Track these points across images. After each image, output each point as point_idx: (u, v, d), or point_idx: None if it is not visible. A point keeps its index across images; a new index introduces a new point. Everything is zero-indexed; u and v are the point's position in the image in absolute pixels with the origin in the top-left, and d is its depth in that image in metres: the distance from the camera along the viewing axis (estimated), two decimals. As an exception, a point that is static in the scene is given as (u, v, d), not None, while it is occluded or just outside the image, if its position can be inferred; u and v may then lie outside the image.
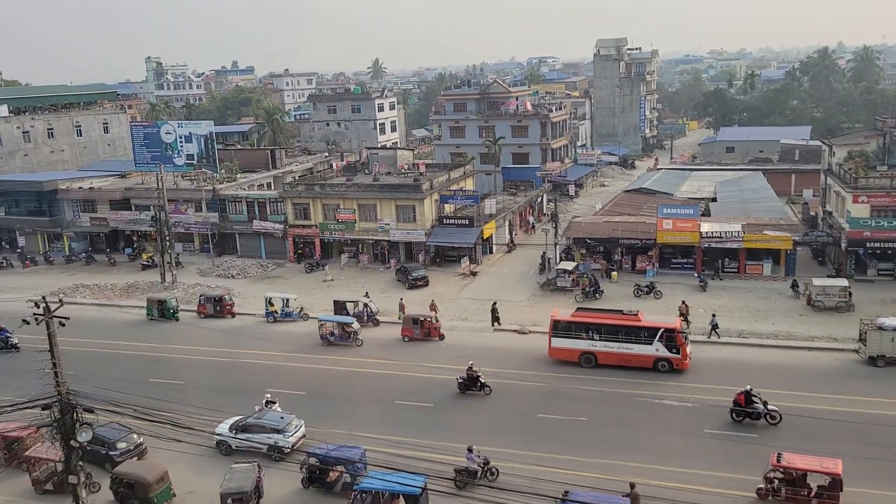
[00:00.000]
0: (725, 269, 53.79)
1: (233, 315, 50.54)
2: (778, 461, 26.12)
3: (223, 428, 32.02)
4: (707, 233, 53.66)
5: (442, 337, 44.20)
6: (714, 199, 67.92)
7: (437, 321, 44.68)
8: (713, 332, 42.35)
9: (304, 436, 31.85)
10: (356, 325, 44.62)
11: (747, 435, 31.05)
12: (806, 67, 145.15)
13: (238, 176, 72.52)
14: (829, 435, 30.00)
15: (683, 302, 46.33)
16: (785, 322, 44.18)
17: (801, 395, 34.07)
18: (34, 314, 24.60)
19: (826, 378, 36.61)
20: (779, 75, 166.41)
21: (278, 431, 31.23)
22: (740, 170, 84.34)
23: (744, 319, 45.00)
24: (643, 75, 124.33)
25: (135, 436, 31.30)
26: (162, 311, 50.03)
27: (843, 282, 47.15)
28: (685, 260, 54.86)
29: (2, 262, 67.26)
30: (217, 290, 53.68)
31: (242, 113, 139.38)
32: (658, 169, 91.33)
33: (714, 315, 43.75)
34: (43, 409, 24.46)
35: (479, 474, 28.04)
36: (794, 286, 49.13)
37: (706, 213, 60.52)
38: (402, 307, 47.94)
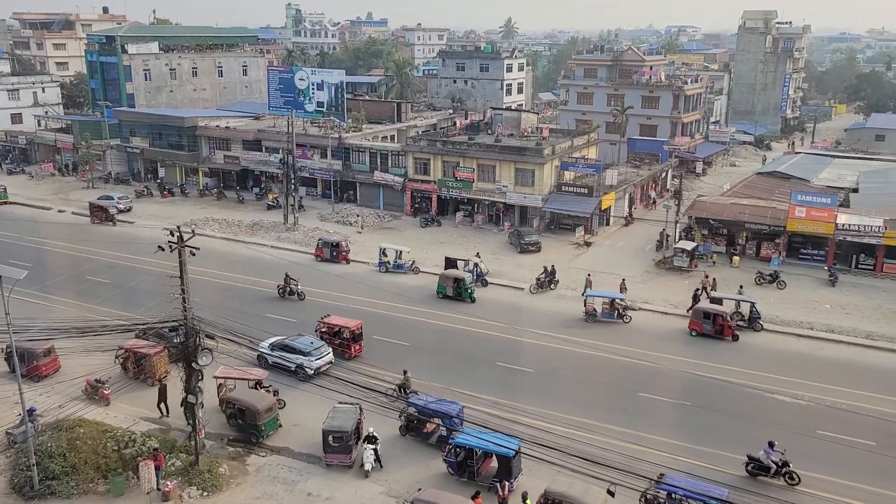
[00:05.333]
0: (860, 266, 50.40)
1: (347, 262, 52.11)
2: (322, 319, 37.09)
3: (264, 345, 34.97)
4: (843, 225, 50.29)
5: (736, 337, 39.37)
6: (856, 190, 63.34)
7: (730, 319, 39.62)
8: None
9: (330, 362, 34.47)
10: (627, 301, 42.75)
11: (864, 441, 29.27)
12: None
13: (363, 126, 74.04)
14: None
15: (707, 275, 46.10)
16: (921, 328, 41.06)
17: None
18: (168, 242, 26.32)
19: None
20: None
21: (304, 354, 34.26)
22: (890, 160, 78.05)
23: (875, 321, 42.12)
24: (791, 51, 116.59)
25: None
26: (458, 291, 44.86)
27: None
28: (816, 251, 51.75)
29: (143, 191, 72.09)
30: (335, 236, 55.50)
31: (373, 64, 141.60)
32: (796, 153, 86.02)
33: (741, 286, 44.08)
34: (170, 331, 26.31)
35: (771, 471, 26.88)
36: (937, 291, 45.45)
37: (845, 204, 56.61)
38: (589, 283, 45.24)
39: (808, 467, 27.25)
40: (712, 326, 39.51)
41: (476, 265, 48.26)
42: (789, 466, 26.83)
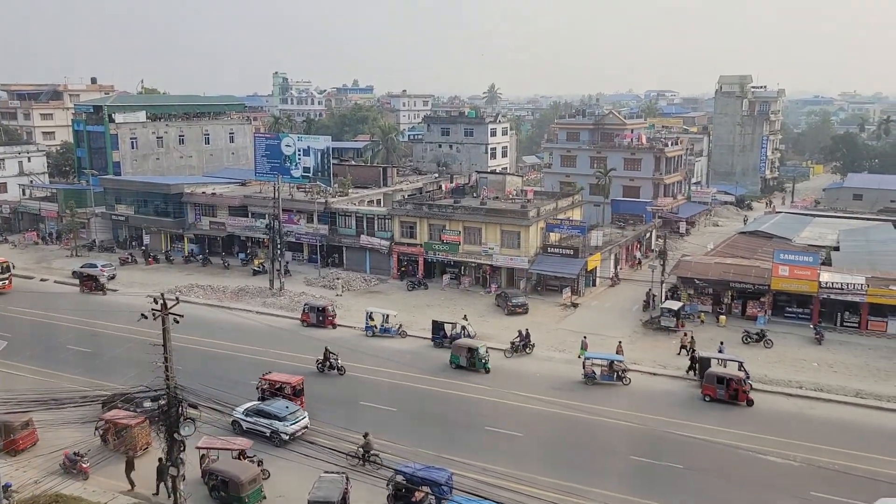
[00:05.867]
0: (845, 323, 50.64)
1: (334, 326, 51.73)
2: (263, 376, 38.09)
3: (238, 410, 34.66)
4: (826, 283, 50.69)
5: (751, 402, 38.35)
6: (837, 248, 64.10)
7: (745, 384, 38.79)
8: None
9: (306, 427, 34.16)
10: (625, 363, 42.32)
11: (858, 503, 28.82)
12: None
13: (350, 191, 74.62)
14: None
15: (685, 333, 46.86)
16: (909, 386, 41.03)
17: (923, 467, 31.49)
18: (152, 310, 26.06)
19: (954, 451, 33.65)
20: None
21: (280, 419, 34.02)
22: (868, 219, 79.32)
23: (862, 379, 42.11)
24: (767, 114, 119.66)
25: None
26: (472, 361, 43.03)
27: (980, 348, 43.33)
28: (801, 310, 52.02)
29: (127, 258, 71.71)
30: (321, 301, 55.21)
31: (359, 130, 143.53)
32: (777, 212, 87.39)
33: (721, 343, 45.23)
34: (152, 400, 25.80)
35: None
36: (923, 348, 45.64)
37: (827, 262, 57.23)
38: (584, 345, 45.39)
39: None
40: (726, 391, 38.72)
41: (464, 328, 48.03)
42: None
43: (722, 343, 45.32)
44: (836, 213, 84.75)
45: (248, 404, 35.57)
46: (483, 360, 43.09)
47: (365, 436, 32.24)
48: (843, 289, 50.18)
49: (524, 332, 47.26)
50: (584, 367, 42.16)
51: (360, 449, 31.72)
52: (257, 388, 37.90)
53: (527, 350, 46.49)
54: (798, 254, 54.06)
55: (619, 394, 40.36)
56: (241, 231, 72.46)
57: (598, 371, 41.87)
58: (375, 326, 50.19)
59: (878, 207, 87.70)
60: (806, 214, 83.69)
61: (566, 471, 31.47)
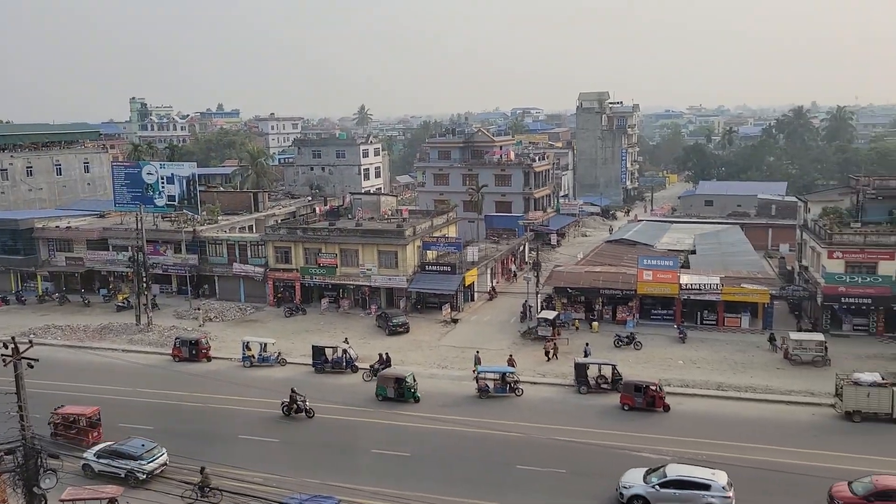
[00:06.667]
0: (704, 322, 54.06)
1: (209, 359, 49.74)
2: (56, 410, 36.39)
3: (89, 453, 33.53)
4: (686, 285, 54.00)
5: (667, 408, 39.25)
6: (693, 252, 68.53)
7: (661, 390, 39.61)
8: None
9: (165, 464, 33.03)
10: (517, 375, 42.84)
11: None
12: (782, 125, 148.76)
13: (219, 218, 72.28)
14: (802, 490, 29.85)
15: (548, 341, 48.96)
16: (763, 375, 44.29)
17: (777, 450, 33.95)
18: (2, 355, 24.11)
19: (802, 433, 36.55)
20: (755, 132, 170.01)
21: (136, 458, 32.83)
22: (719, 223, 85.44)
23: (722, 372, 45.06)
24: (624, 128, 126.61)
25: None
26: (400, 391, 41.18)
27: (820, 336, 47.46)
28: (665, 311, 55.06)
29: (-27, 301, 66.09)
30: (194, 334, 52.98)
31: (226, 155, 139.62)
32: (638, 220, 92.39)
33: (588, 344, 47.26)
34: (6, 454, 23.84)
35: None
36: (772, 340, 49.41)
37: (685, 266, 61.00)
38: (478, 360, 45.61)
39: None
40: (644, 399, 39.49)
41: (345, 351, 47.45)
42: None
43: (588, 345, 47.36)
44: (691, 219, 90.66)
45: (101, 445, 34.24)
46: (412, 390, 41.42)
47: (202, 471, 30.95)
48: (700, 289, 53.59)
49: (384, 356, 46.64)
50: (477, 382, 42.59)
51: (197, 485, 30.37)
52: (49, 424, 36.05)
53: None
54: (659, 259, 57.31)
55: (510, 405, 41.04)
56: (102, 265, 68.48)
57: (491, 385, 42.47)
58: (253, 356, 48.67)
59: (727, 212, 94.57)
60: (665, 221, 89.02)
61: (450, 485, 31.61)
